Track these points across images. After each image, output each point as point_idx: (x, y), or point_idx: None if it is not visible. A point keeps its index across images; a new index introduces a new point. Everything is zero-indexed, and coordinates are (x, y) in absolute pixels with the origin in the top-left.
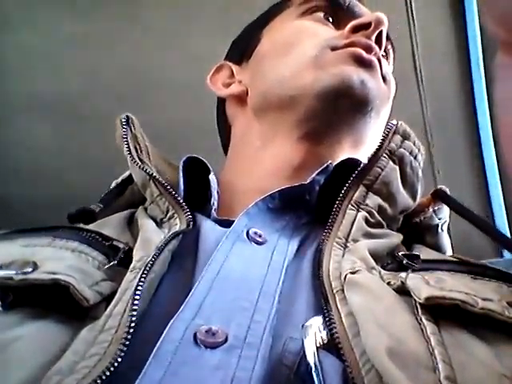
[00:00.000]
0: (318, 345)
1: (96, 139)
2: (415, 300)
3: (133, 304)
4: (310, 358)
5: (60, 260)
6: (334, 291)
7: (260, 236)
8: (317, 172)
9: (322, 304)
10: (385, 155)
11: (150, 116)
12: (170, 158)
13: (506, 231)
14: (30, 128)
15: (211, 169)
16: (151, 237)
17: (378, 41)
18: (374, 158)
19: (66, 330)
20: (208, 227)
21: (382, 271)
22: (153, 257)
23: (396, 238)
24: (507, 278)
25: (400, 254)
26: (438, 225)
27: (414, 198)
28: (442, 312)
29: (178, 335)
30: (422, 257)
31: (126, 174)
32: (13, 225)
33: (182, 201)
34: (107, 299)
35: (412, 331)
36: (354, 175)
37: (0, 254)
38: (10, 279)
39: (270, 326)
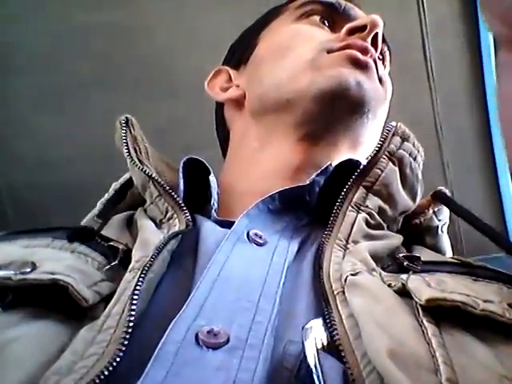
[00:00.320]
0: (319, 347)
1: (103, 127)
2: (416, 302)
3: (131, 304)
4: (311, 360)
5: (59, 260)
6: (335, 293)
7: (260, 237)
8: (316, 173)
9: (322, 306)
10: (384, 156)
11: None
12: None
13: None
14: (36, 117)
15: (211, 170)
16: (150, 237)
17: (374, 43)
18: (374, 159)
19: (64, 330)
20: (208, 228)
21: (383, 273)
22: (152, 257)
23: (396, 239)
24: (508, 280)
25: (400, 255)
26: (437, 226)
27: (413, 199)
28: (443, 314)
29: (180, 336)
30: (422, 258)
31: (126, 176)
32: (20, 215)
33: (181, 202)
34: (106, 299)
35: (413, 333)
36: (353, 177)
37: None
38: (9, 279)
39: (272, 327)
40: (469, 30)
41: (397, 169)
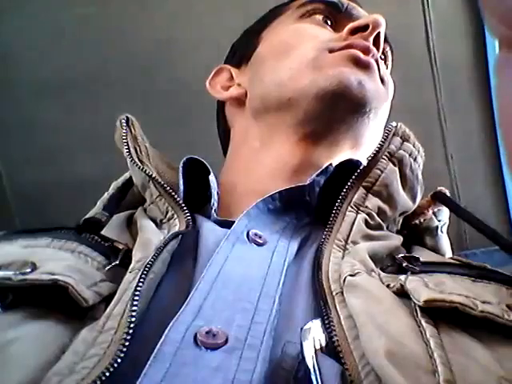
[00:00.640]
0: (317, 348)
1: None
2: (414, 303)
3: (132, 305)
4: (309, 361)
5: (59, 260)
6: (334, 294)
7: (260, 237)
8: (317, 173)
9: (321, 306)
10: (384, 157)
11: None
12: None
13: None
14: (42, 110)
15: (211, 170)
16: (151, 238)
17: (376, 43)
18: (374, 159)
19: (65, 331)
20: (208, 228)
21: (382, 274)
22: (152, 257)
23: (396, 239)
24: (507, 280)
25: (400, 256)
26: (437, 226)
27: (413, 199)
28: (442, 314)
29: (179, 336)
30: (421, 259)
31: (126, 175)
32: (27, 210)
33: (181, 202)
34: (107, 300)
35: (411, 334)
36: (353, 177)
37: None
38: (9, 279)
39: (271, 327)
40: (473, 25)
41: (397, 169)
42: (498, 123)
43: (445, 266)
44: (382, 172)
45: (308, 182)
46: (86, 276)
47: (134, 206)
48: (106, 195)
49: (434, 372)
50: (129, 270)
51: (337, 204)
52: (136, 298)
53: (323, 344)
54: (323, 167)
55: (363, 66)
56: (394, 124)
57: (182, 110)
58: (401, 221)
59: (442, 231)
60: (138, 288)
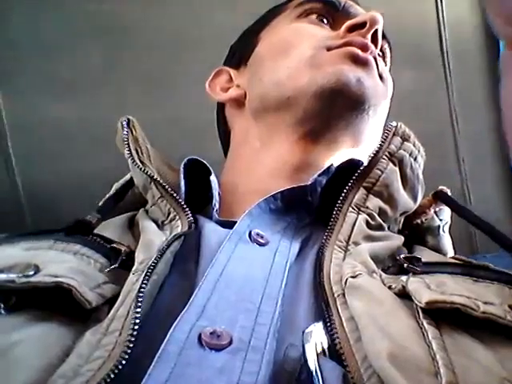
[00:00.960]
0: (319, 351)
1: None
2: (416, 304)
3: (136, 306)
4: (311, 364)
5: (62, 263)
6: (335, 295)
7: (262, 237)
8: (319, 173)
9: (322, 308)
10: (385, 157)
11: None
12: None
13: None
14: (54, 108)
15: (212, 170)
16: (153, 239)
17: (374, 39)
18: (374, 159)
19: (68, 333)
20: (210, 229)
21: (383, 275)
22: (155, 259)
23: (397, 240)
24: (510, 280)
25: (401, 256)
26: (439, 226)
27: (414, 199)
28: (444, 315)
29: (183, 336)
30: (423, 259)
31: (127, 177)
32: (37, 209)
33: (183, 203)
34: (110, 302)
35: (413, 336)
36: (354, 177)
37: (1, 257)
38: (12, 282)
39: (274, 329)
40: (487, 25)
41: (397, 169)
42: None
43: (446, 266)
44: (382, 172)
45: (310, 183)
46: (89, 278)
47: (136, 208)
48: (107, 196)
49: (436, 374)
50: (132, 272)
51: (337, 205)
52: (140, 299)
53: (325, 347)
54: (325, 167)
55: (361, 63)
56: (393, 124)
57: None
58: (402, 220)
59: (443, 231)
60: (142, 289)
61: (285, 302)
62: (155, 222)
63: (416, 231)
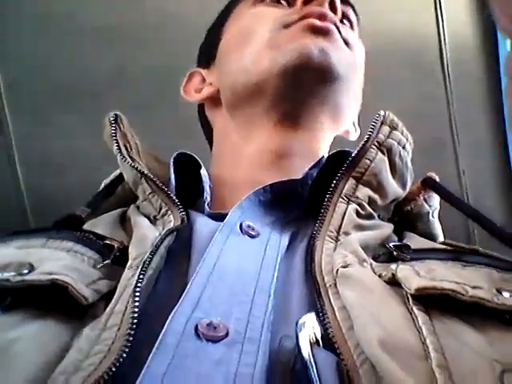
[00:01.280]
0: (313, 341)
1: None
2: (406, 291)
3: (134, 301)
4: (305, 354)
5: (56, 260)
6: (327, 286)
7: (253, 229)
8: (310, 166)
9: (315, 299)
10: (373, 146)
11: None
12: None
13: None
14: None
15: (202, 164)
16: (146, 234)
17: (333, 6)
18: (363, 149)
19: (65, 330)
20: (201, 222)
21: (374, 263)
22: (150, 254)
23: (387, 228)
24: (498, 264)
25: (391, 245)
26: (428, 212)
27: (403, 187)
28: (434, 301)
29: (180, 328)
30: (412, 246)
31: (116, 172)
32: (47, 216)
33: (174, 197)
34: (105, 297)
35: (404, 322)
36: (343, 168)
37: None
38: (7, 281)
39: (268, 321)
40: (487, 39)
41: (386, 158)
42: (507, 122)
43: (436, 252)
44: (371, 162)
45: (301, 176)
46: (84, 274)
47: (126, 204)
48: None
49: (426, 358)
50: (127, 267)
51: (327, 195)
52: (137, 294)
53: (318, 336)
54: (316, 160)
55: (322, 32)
56: (381, 112)
57: None
58: (392, 208)
59: (433, 216)
60: (139, 284)
61: (277, 294)
62: (147, 217)
63: (406, 218)
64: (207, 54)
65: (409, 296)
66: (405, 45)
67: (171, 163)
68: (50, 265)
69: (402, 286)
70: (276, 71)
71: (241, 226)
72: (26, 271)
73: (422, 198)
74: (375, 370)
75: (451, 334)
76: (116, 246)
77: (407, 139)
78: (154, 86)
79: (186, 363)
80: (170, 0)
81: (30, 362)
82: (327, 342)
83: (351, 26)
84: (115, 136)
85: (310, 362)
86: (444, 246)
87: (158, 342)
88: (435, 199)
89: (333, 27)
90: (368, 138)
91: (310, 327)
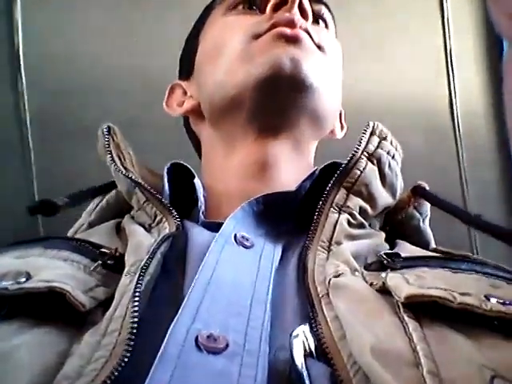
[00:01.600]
0: (307, 352)
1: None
2: (396, 300)
3: (133, 306)
4: (299, 366)
5: (53, 269)
6: (320, 296)
7: (247, 240)
8: (303, 179)
9: (308, 310)
10: (363, 157)
11: None
12: None
13: None
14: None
15: (195, 174)
16: (142, 241)
17: (303, 10)
18: (353, 160)
19: (64, 337)
20: (196, 232)
21: (365, 272)
22: (147, 260)
23: (378, 237)
24: (487, 269)
25: (381, 253)
26: (419, 220)
27: (393, 196)
28: (424, 308)
29: (181, 338)
30: (403, 254)
31: (108, 183)
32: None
33: (169, 205)
34: (103, 305)
35: (395, 330)
36: (333, 178)
37: None
38: (5, 289)
39: (266, 333)
40: (495, 88)
41: (376, 168)
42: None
43: (425, 259)
44: (361, 172)
45: (295, 189)
46: (81, 282)
47: (121, 214)
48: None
49: (417, 365)
50: (124, 274)
51: (319, 206)
52: (136, 299)
53: (312, 347)
54: (309, 173)
55: (292, 40)
56: (371, 123)
57: None
58: (383, 217)
59: (424, 224)
60: (137, 290)
61: (272, 306)
62: (142, 225)
63: (397, 226)
64: (186, 66)
65: (399, 304)
66: (417, 109)
67: (165, 172)
68: (47, 273)
69: (393, 294)
70: (250, 84)
71: (235, 236)
72: (23, 279)
73: (412, 206)
74: (368, 380)
75: (441, 340)
76: (112, 252)
77: (396, 149)
78: None
79: (188, 374)
80: None
81: (31, 370)
82: (321, 352)
83: (326, 26)
84: (108, 147)
85: (304, 373)
86: (434, 254)
87: (160, 352)
88: (425, 207)
89: (303, 34)
90: (357, 149)
91: (303, 338)
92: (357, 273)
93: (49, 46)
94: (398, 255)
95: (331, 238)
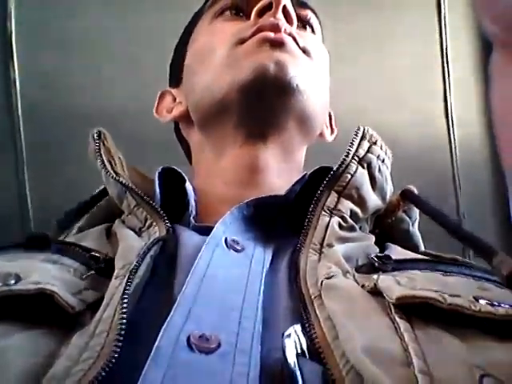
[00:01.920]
0: (299, 351)
1: None
2: (388, 301)
3: (122, 308)
4: (291, 365)
5: (42, 271)
6: (312, 297)
7: (238, 243)
8: (293, 183)
9: (300, 310)
10: (354, 161)
11: None
12: None
13: None
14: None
15: (186, 178)
16: (132, 245)
17: (288, 15)
18: (343, 164)
19: (52, 340)
20: (187, 236)
21: (356, 274)
22: (136, 262)
23: (369, 239)
24: (476, 272)
25: (372, 255)
26: (409, 223)
27: (383, 199)
28: (415, 310)
29: (172, 339)
30: (393, 257)
31: (100, 188)
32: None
33: (159, 209)
34: (91, 308)
35: (386, 330)
36: (324, 182)
37: None
38: None
39: (258, 333)
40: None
41: (366, 172)
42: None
43: (416, 262)
44: (352, 176)
45: (285, 193)
46: (70, 285)
47: (111, 219)
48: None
49: (409, 364)
50: (113, 277)
51: (310, 209)
52: (125, 301)
53: (304, 347)
54: (299, 177)
55: (277, 44)
56: (361, 128)
57: None
58: (373, 220)
59: (413, 227)
60: (126, 291)
61: (264, 307)
62: (133, 229)
63: (387, 230)
64: (175, 73)
65: (391, 305)
66: (416, 152)
67: (156, 177)
68: (36, 275)
69: (384, 295)
70: (237, 89)
71: (226, 240)
72: (12, 281)
73: (401, 210)
74: (361, 379)
75: (432, 341)
76: (101, 257)
77: (386, 153)
78: None
79: (180, 373)
80: None
81: (20, 371)
82: (313, 352)
83: (312, 31)
84: (99, 152)
85: (296, 371)
86: (424, 257)
87: (153, 352)
88: (415, 211)
89: (287, 38)
90: (348, 153)
91: (296, 338)
92: (348, 275)
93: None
94: (388, 257)
95: (323, 241)
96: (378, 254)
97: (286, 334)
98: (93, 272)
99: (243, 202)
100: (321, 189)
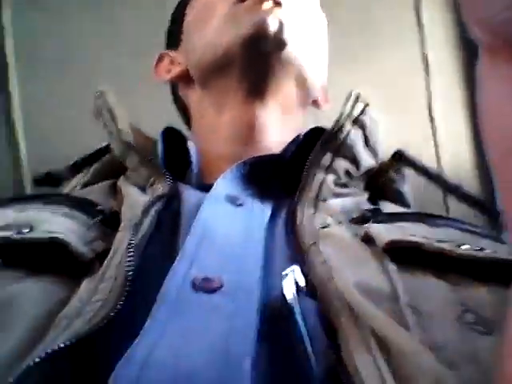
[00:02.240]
0: (297, 290)
1: None
2: (378, 246)
3: (128, 255)
4: (290, 301)
5: (54, 222)
6: (308, 244)
7: (237, 199)
8: (288, 143)
9: (298, 257)
10: (348, 121)
11: None
12: None
13: None
14: None
15: (187, 138)
16: (137, 200)
17: None
18: (338, 123)
19: (63, 286)
20: (189, 193)
21: (350, 225)
22: (142, 216)
23: (362, 195)
24: (461, 226)
25: (365, 208)
26: (400, 183)
27: (375, 157)
28: (403, 255)
29: (178, 282)
30: (385, 211)
31: (102, 145)
32: None
33: (162, 168)
34: (100, 257)
35: (377, 272)
36: (320, 142)
37: None
38: (8, 238)
39: (258, 275)
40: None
41: (360, 131)
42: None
43: (406, 215)
44: (346, 135)
45: (280, 152)
46: (80, 235)
47: (116, 175)
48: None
49: (397, 299)
50: (119, 229)
51: (306, 167)
52: (130, 249)
53: (302, 286)
54: (294, 137)
55: (277, 2)
56: (355, 91)
57: None
58: (366, 179)
59: (405, 187)
60: (132, 241)
61: (264, 255)
62: (137, 186)
63: (379, 189)
64: (174, 36)
65: (380, 250)
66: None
67: (159, 135)
68: (48, 225)
69: (375, 240)
70: (239, 44)
71: (226, 196)
72: (26, 230)
73: (393, 170)
74: (353, 314)
75: (419, 281)
76: (108, 210)
77: (377, 116)
78: None
79: (185, 311)
80: None
81: (34, 312)
82: (310, 291)
83: None
84: (102, 110)
85: (295, 307)
86: (414, 211)
87: (160, 294)
88: (406, 171)
89: None
90: (342, 113)
91: (294, 277)
92: (342, 225)
93: None
94: (380, 211)
95: (318, 196)
96: (370, 208)
97: (285, 273)
98: (99, 218)
99: (242, 160)
100: (316, 148)
